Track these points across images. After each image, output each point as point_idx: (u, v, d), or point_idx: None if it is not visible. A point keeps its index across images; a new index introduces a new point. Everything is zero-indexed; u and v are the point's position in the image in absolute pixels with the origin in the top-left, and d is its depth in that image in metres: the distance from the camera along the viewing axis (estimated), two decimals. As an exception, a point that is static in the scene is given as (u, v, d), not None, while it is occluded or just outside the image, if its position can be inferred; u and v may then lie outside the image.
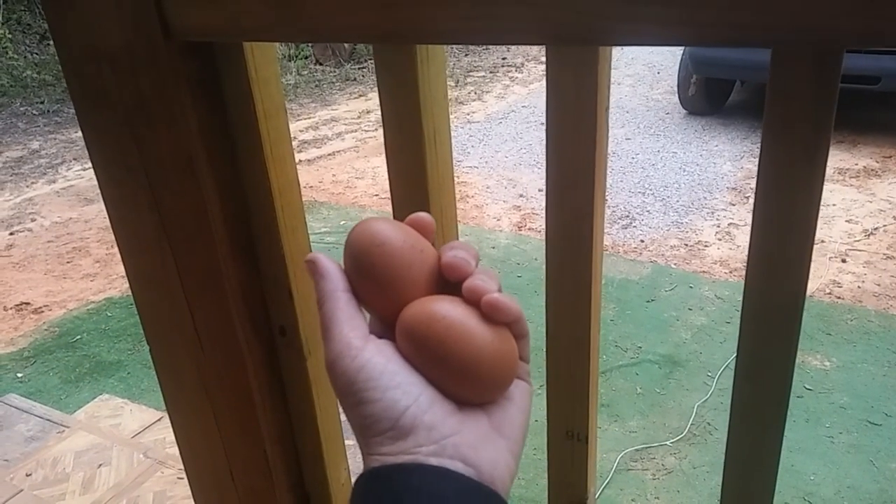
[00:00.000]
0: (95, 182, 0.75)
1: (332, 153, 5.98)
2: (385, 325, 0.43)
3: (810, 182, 0.53)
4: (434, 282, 0.42)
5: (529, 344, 0.45)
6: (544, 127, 0.62)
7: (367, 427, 0.40)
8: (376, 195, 5.02)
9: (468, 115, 6.81)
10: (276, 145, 0.74)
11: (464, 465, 0.39)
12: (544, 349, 0.70)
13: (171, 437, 0.86)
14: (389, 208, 0.73)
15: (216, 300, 0.76)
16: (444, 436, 0.39)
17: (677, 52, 6.75)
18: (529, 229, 4.28)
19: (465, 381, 0.40)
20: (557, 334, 0.71)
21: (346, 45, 8.64)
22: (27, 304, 3.76)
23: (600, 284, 0.70)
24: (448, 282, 0.43)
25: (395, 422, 0.39)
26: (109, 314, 3.61)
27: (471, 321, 0.40)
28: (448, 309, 0.40)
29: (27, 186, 5.54)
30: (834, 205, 4.32)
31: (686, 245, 3.98)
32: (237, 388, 0.80)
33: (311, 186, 5.22)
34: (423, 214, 0.45)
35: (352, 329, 0.41)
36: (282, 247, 0.77)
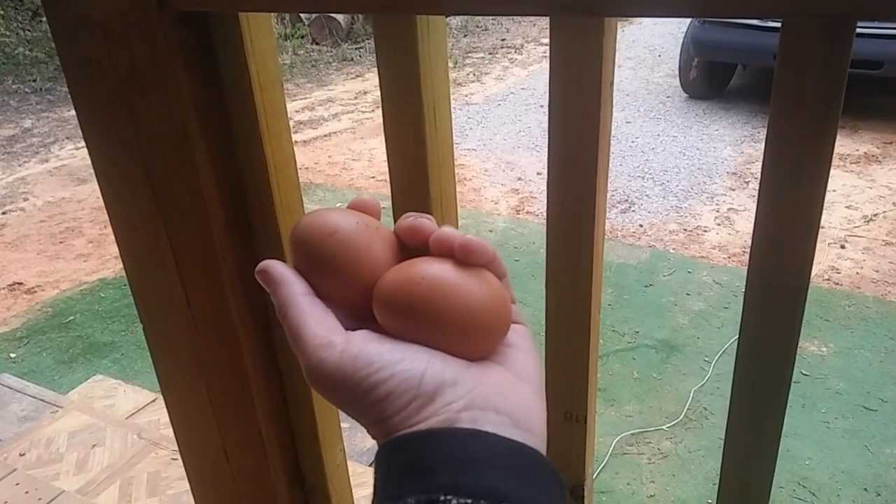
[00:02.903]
0: (89, 162, 0.73)
1: (329, 134, 5.95)
2: (355, 319, 0.40)
3: (819, 159, 0.51)
4: (398, 258, 0.40)
5: (510, 284, 0.43)
6: (544, 109, 0.61)
7: (387, 408, 0.37)
8: (373, 177, 5.00)
9: (466, 96, 6.77)
10: (273, 120, 0.72)
11: (496, 414, 0.37)
12: (543, 331, 0.69)
13: (165, 418, 0.85)
14: (387, 190, 0.71)
15: (211, 278, 0.75)
16: (470, 388, 0.37)
17: (679, 34, 6.71)
18: (527, 213, 4.27)
19: (463, 335, 0.38)
20: (557, 314, 0.70)
21: (342, 24, 8.58)
22: (20, 284, 3.75)
23: (601, 264, 0.69)
24: (411, 254, 0.41)
25: (417, 389, 0.37)
26: (103, 295, 3.60)
27: (451, 273, 0.38)
28: (424, 267, 0.38)
29: (19, 165, 5.50)
30: (834, 190, 4.31)
31: (685, 230, 3.97)
32: (232, 367, 0.79)
33: (307, 168, 5.19)
34: (366, 198, 0.43)
35: (326, 329, 0.39)
36: (277, 224, 0.76)
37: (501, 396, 0.38)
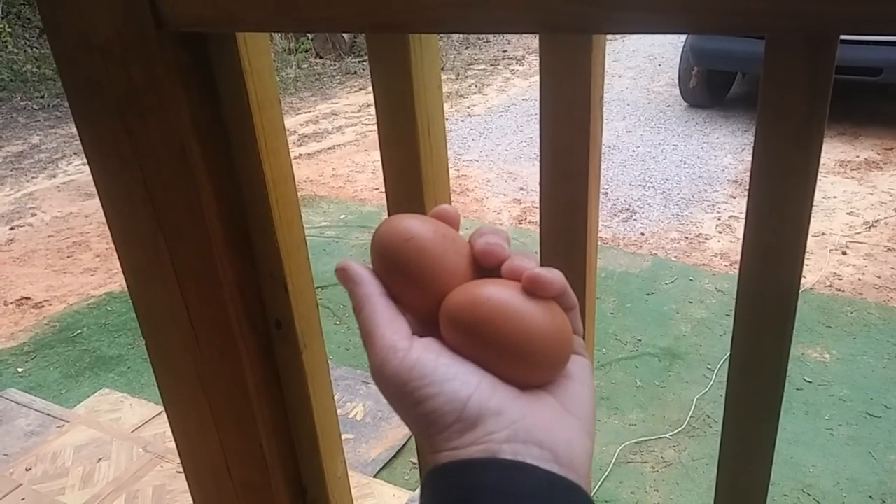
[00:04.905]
0: (94, 176, 0.74)
1: (333, 147, 5.97)
2: (425, 324, 0.41)
3: (804, 171, 0.52)
4: (470, 270, 0.41)
5: (579, 315, 0.43)
6: (539, 118, 0.62)
7: (430, 424, 0.38)
8: (376, 189, 5.02)
9: (469, 108, 6.80)
10: (270, 137, 0.74)
11: (539, 449, 0.37)
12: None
13: (170, 431, 0.86)
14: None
15: (212, 294, 0.76)
16: (514, 420, 0.37)
17: (678, 44, 6.73)
18: (530, 223, 4.28)
19: (521, 362, 0.39)
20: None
21: (346, 38, 8.63)
22: (27, 298, 3.76)
23: (595, 276, 0.70)
24: (484, 269, 0.41)
25: (460, 413, 0.37)
26: (110, 308, 3.61)
27: (517, 300, 0.39)
28: (492, 291, 0.39)
29: (27, 181, 5.53)
30: (835, 197, 4.31)
31: (686, 238, 3.98)
32: (233, 381, 0.80)
33: (312, 180, 5.22)
34: (446, 206, 0.44)
35: (394, 332, 0.40)
36: (276, 240, 0.77)
37: (547, 431, 0.38)
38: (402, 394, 0.38)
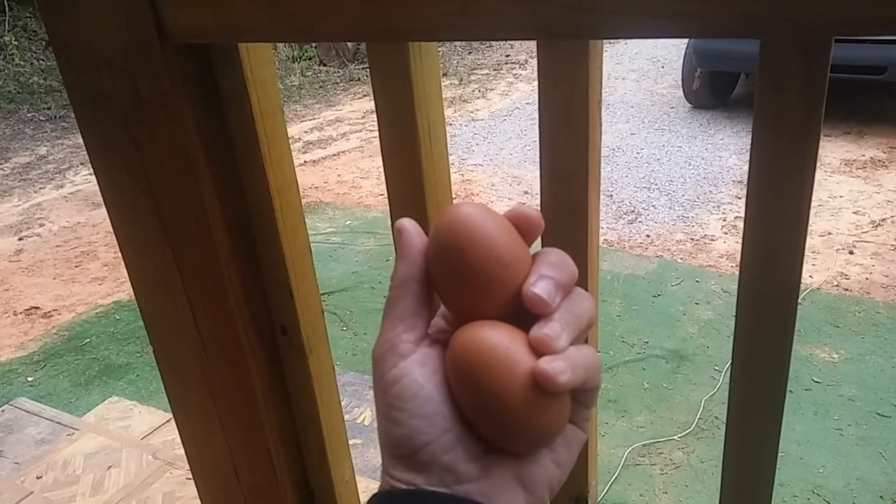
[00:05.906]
0: (101, 186, 0.75)
1: (337, 153, 5.99)
2: (454, 318, 0.40)
3: (802, 171, 0.53)
4: (513, 299, 0.38)
5: (598, 393, 0.41)
6: (539, 123, 0.62)
7: (387, 444, 0.39)
8: (381, 195, 5.03)
9: (472, 112, 6.81)
10: (274, 145, 0.75)
11: None
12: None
13: (179, 437, 0.87)
14: (391, 207, 0.73)
15: (218, 301, 0.76)
16: (459, 482, 0.38)
17: (681, 45, 6.72)
18: (535, 226, 4.28)
19: (498, 430, 0.38)
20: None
21: (349, 45, 8.65)
22: (37, 308, 3.79)
23: (597, 281, 0.71)
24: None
25: (413, 452, 0.38)
26: (118, 317, 3.63)
27: (522, 367, 0.36)
28: (500, 344, 0.36)
29: (35, 192, 5.57)
30: (841, 196, 4.30)
31: (692, 239, 3.97)
32: (240, 388, 0.81)
33: (317, 187, 5.23)
34: (531, 212, 0.39)
35: (406, 329, 0.39)
36: (281, 247, 0.78)
37: (486, 499, 0.38)
38: (379, 397, 0.40)
